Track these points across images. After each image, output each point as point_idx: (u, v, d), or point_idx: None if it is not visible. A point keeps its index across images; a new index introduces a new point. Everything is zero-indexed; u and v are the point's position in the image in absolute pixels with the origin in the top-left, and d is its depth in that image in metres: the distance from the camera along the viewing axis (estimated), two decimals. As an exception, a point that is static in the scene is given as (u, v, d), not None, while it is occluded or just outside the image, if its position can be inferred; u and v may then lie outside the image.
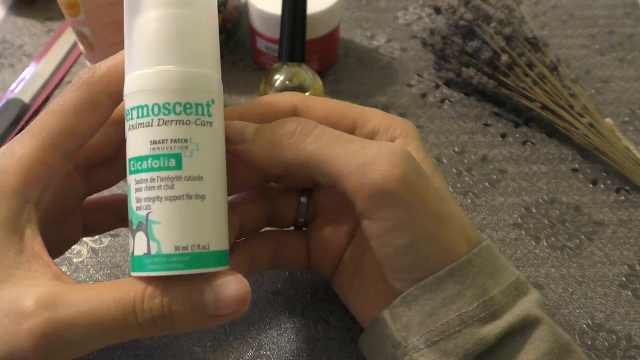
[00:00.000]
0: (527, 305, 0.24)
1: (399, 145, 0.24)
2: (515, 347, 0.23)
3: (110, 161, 0.28)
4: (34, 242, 0.23)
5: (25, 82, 0.46)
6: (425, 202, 0.23)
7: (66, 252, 0.35)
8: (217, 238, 0.22)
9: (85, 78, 0.24)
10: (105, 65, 0.24)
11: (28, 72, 0.47)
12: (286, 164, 0.24)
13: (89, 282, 0.34)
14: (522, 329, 0.23)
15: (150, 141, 0.21)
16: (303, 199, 0.30)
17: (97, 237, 0.36)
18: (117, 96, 0.24)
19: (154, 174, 0.21)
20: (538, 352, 0.23)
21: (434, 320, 0.23)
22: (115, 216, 0.30)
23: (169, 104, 0.21)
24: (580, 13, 0.55)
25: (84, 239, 0.36)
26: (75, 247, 0.36)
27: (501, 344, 0.23)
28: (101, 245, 0.36)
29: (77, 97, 0.24)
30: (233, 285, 0.22)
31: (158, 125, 0.21)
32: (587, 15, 0.55)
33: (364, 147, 0.23)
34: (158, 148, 0.21)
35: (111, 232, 0.36)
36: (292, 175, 0.29)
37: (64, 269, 0.35)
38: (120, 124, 0.26)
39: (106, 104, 0.24)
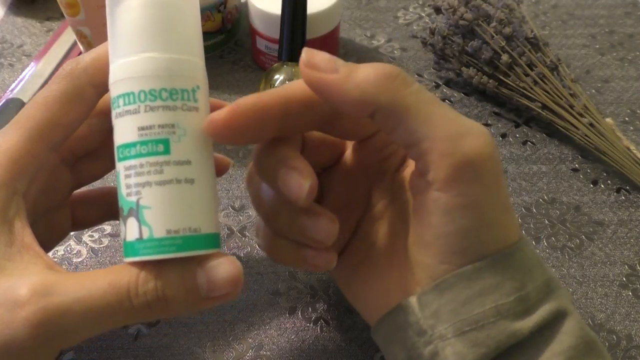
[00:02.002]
0: (558, 301, 0.23)
1: (483, 126, 0.24)
2: (543, 339, 0.23)
3: (96, 153, 0.28)
4: (24, 234, 0.23)
5: (25, 81, 0.46)
6: (501, 188, 0.23)
7: (66, 252, 0.35)
8: (207, 221, 0.22)
9: (69, 70, 0.24)
10: (89, 57, 0.24)
11: (28, 71, 0.47)
12: (377, 107, 0.23)
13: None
14: (552, 322, 0.23)
15: (138, 127, 0.21)
16: None
17: (97, 237, 0.36)
18: (101, 87, 0.24)
19: (143, 160, 0.21)
20: (564, 345, 0.22)
21: (468, 310, 0.23)
22: (103, 209, 0.30)
23: (155, 90, 0.21)
24: (581, 13, 0.55)
25: (84, 239, 0.36)
26: (75, 247, 0.36)
27: (530, 336, 0.23)
28: (101, 246, 0.36)
29: (62, 89, 0.24)
30: (225, 267, 0.22)
31: (145, 111, 0.21)
32: (588, 15, 0.55)
33: (459, 117, 0.23)
34: (146, 134, 0.21)
35: (111, 232, 0.37)
36: (362, 125, 0.27)
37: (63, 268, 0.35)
38: (104, 115, 0.26)
39: (91, 95, 0.24)
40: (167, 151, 0.21)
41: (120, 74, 0.22)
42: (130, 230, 0.22)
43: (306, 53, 0.23)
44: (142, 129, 0.21)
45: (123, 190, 0.22)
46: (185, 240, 0.21)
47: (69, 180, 0.27)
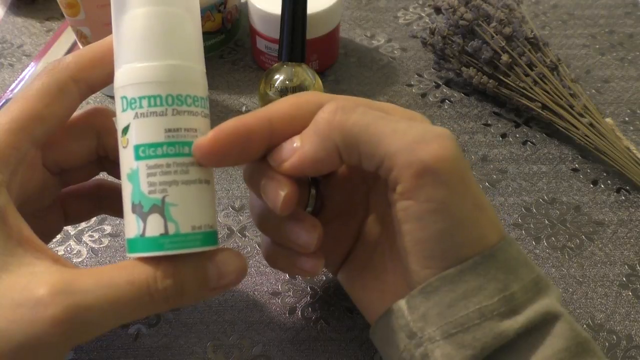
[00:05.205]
0: (547, 302, 0.23)
1: (443, 128, 0.24)
2: (532, 342, 0.23)
3: (82, 167, 0.28)
4: (22, 227, 0.23)
5: (25, 81, 0.46)
6: (468, 187, 0.23)
7: (66, 252, 0.35)
8: (215, 219, 0.24)
9: (50, 67, 0.25)
10: (71, 56, 0.25)
11: (27, 71, 0.47)
12: (338, 147, 0.24)
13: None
14: (541, 324, 0.23)
15: (165, 129, 0.23)
16: (312, 191, 0.29)
17: (97, 237, 0.36)
18: (83, 82, 0.25)
19: (170, 160, 0.23)
20: (555, 348, 0.22)
21: (453, 312, 0.23)
22: (96, 203, 0.31)
23: (181, 95, 0.23)
24: (581, 13, 0.55)
25: (84, 239, 0.36)
26: (75, 247, 0.36)
27: (519, 339, 0.23)
28: (101, 246, 0.36)
29: (43, 83, 0.24)
30: (234, 260, 0.24)
31: (172, 115, 0.23)
32: (588, 15, 0.55)
33: (411, 126, 0.23)
34: (173, 136, 0.23)
35: (111, 232, 0.36)
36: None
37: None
38: (94, 135, 0.27)
39: (72, 90, 0.25)
40: (191, 153, 0.23)
41: (142, 76, 0.23)
42: (153, 226, 0.22)
43: (270, 157, 0.25)
44: (169, 130, 0.23)
45: (144, 188, 0.23)
46: (205, 236, 0.23)
47: (56, 185, 0.28)
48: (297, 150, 0.24)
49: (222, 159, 0.24)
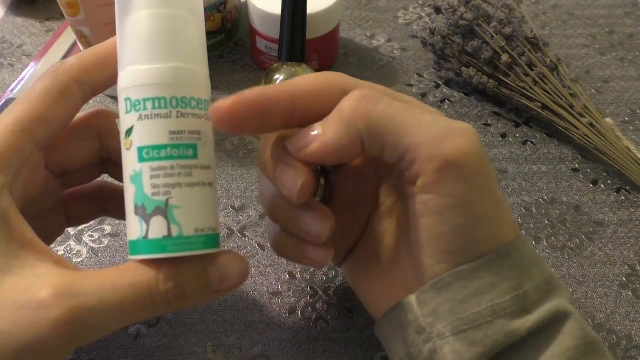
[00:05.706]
0: (557, 301, 0.23)
1: (466, 123, 0.24)
2: (542, 341, 0.23)
3: (84, 169, 0.28)
4: (24, 229, 0.23)
5: (25, 81, 0.46)
6: (489, 184, 0.23)
7: (66, 252, 0.35)
8: (217, 222, 0.24)
9: (53, 69, 0.25)
10: (74, 58, 0.25)
11: (28, 71, 0.47)
12: (362, 136, 0.23)
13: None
14: (551, 323, 0.23)
15: (170, 131, 0.23)
16: (322, 180, 0.29)
17: (97, 237, 0.36)
18: (85, 84, 0.25)
19: (174, 162, 0.23)
20: (564, 347, 0.22)
21: (464, 309, 0.23)
22: (97, 205, 0.31)
23: (186, 98, 0.23)
24: (581, 13, 0.55)
25: (84, 239, 0.36)
26: (75, 247, 0.36)
27: (529, 337, 0.23)
28: (101, 246, 0.36)
29: (45, 85, 0.24)
30: (236, 263, 0.24)
31: (177, 117, 0.23)
32: (588, 15, 0.55)
33: (436, 120, 0.23)
34: (177, 138, 0.23)
35: (111, 232, 0.37)
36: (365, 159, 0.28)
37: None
38: (96, 136, 0.27)
39: (75, 92, 0.25)
40: (195, 156, 0.23)
41: (146, 78, 0.23)
42: (156, 228, 0.22)
43: (289, 142, 0.24)
44: (173, 133, 0.23)
45: (147, 190, 0.23)
46: (207, 239, 0.23)
47: (58, 187, 0.28)
48: (318, 137, 0.24)
49: (237, 126, 0.23)
